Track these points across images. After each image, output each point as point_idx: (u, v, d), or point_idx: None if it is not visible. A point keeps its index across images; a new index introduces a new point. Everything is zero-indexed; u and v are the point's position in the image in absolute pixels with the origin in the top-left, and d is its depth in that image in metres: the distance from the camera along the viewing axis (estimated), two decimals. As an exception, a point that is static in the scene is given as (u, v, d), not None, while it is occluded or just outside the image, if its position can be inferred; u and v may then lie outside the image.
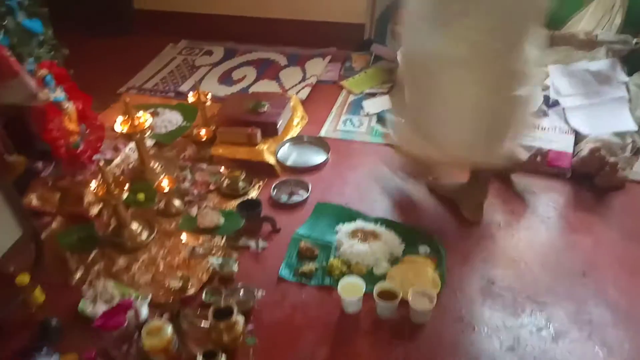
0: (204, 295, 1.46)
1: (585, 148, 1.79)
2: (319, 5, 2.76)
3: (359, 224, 1.67)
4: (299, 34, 2.78)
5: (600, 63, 2.10)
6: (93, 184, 1.58)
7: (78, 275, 1.56)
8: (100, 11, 2.97)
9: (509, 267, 1.54)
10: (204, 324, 1.34)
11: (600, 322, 1.37)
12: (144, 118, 1.82)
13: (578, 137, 1.91)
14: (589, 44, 2.09)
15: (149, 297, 1.46)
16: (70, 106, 1.91)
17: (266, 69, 2.62)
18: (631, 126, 1.88)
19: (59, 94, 1.86)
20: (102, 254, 1.64)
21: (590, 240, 1.62)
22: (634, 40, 2.02)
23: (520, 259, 1.56)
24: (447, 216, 1.73)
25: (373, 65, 2.59)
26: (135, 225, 1.68)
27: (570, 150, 1.86)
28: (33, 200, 1.78)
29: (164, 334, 1.27)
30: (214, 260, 1.55)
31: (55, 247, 1.65)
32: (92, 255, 1.63)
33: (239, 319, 1.30)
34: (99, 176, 1.54)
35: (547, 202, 1.76)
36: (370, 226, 1.65)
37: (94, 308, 1.42)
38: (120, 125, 1.79)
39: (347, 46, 2.73)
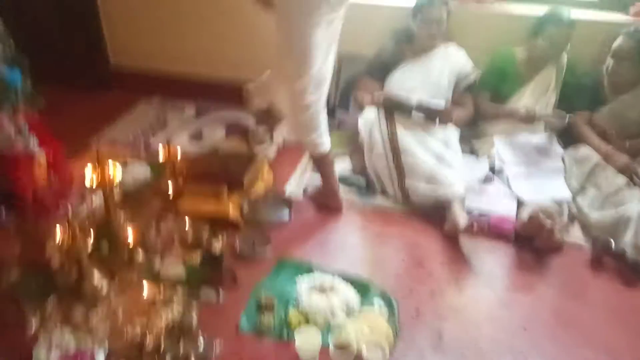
0: (162, 345, 1.48)
1: (525, 213, 1.95)
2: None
3: (317, 277, 1.75)
4: (268, 97, 2.95)
5: (539, 136, 2.33)
6: (57, 232, 1.61)
7: (34, 323, 1.55)
8: (78, 65, 3.06)
9: (457, 321, 1.63)
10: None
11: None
12: (114, 171, 1.88)
13: (520, 203, 2.08)
14: (529, 119, 2.32)
15: (106, 346, 1.47)
16: (41, 153, 1.96)
17: (236, 129, 2.74)
18: (566, 195, 2.08)
19: (32, 142, 1.92)
20: (61, 302, 1.64)
21: (530, 297, 1.75)
22: (567, 116, 2.26)
23: (468, 313, 1.67)
24: (400, 270, 1.84)
25: (337, 130, 2.75)
26: (96, 275, 1.70)
27: (513, 214, 2.03)
28: (-7, 247, 1.78)
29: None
30: (174, 311, 1.58)
31: (12, 294, 1.64)
32: (50, 304, 1.63)
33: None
34: (64, 224, 1.58)
35: (492, 262, 1.90)
36: (328, 279, 1.73)
37: (49, 357, 1.41)
38: (89, 178, 1.84)
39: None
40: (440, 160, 2.17)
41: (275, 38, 1.92)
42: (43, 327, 1.53)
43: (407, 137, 2.20)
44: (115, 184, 1.90)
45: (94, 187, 1.88)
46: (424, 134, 2.24)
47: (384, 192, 2.23)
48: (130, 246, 1.80)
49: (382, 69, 2.51)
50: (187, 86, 3.06)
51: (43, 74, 2.32)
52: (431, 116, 2.29)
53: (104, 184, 1.85)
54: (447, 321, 1.63)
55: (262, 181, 2.26)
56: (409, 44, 2.49)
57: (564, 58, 2.40)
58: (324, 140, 2.07)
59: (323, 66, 1.96)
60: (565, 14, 2.30)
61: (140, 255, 1.81)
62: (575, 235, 2.01)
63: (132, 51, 3.15)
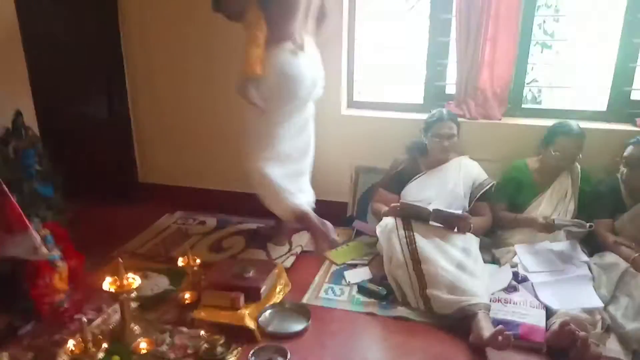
0: None
1: (556, 322, 1.85)
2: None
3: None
4: (287, 209, 3.02)
5: (561, 244, 2.29)
6: (70, 343, 1.58)
7: None
8: (108, 182, 3.24)
9: None
10: None
11: None
12: (133, 279, 1.89)
13: (549, 312, 1.98)
14: (548, 227, 2.30)
15: None
16: (63, 265, 2.00)
17: (255, 238, 2.77)
18: (597, 303, 1.98)
19: (55, 253, 1.97)
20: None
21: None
22: (588, 224, 2.24)
23: None
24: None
25: (355, 239, 2.77)
26: (106, 389, 1.63)
27: (542, 324, 1.92)
28: (4, 358, 1.74)
29: None
30: None
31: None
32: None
33: None
34: (77, 335, 1.56)
35: (526, 377, 1.76)
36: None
37: None
38: (108, 284, 1.85)
39: (331, 221, 2.93)
40: (461, 269, 2.12)
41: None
42: None
43: (427, 245, 2.19)
44: (132, 295, 1.91)
45: (112, 297, 1.90)
46: (443, 242, 2.23)
47: (405, 301, 2.16)
48: (142, 359, 1.75)
49: (397, 181, 2.59)
50: (208, 200, 3.17)
51: (74, 189, 2.48)
52: (449, 224, 2.29)
53: (122, 294, 1.86)
54: None
55: (279, 290, 2.22)
56: (423, 156, 2.59)
57: (577, 167, 2.45)
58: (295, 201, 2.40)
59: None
60: (575, 125, 2.39)
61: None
62: (613, 348, 1.87)
63: (159, 169, 3.35)
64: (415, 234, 2.23)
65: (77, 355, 1.56)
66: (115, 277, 1.86)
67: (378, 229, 2.40)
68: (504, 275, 2.21)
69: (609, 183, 2.35)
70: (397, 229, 2.27)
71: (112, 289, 1.85)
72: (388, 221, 2.34)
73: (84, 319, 1.58)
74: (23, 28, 2.44)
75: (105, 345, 1.60)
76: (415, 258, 2.16)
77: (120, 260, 1.87)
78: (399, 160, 2.65)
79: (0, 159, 2.09)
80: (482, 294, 2.01)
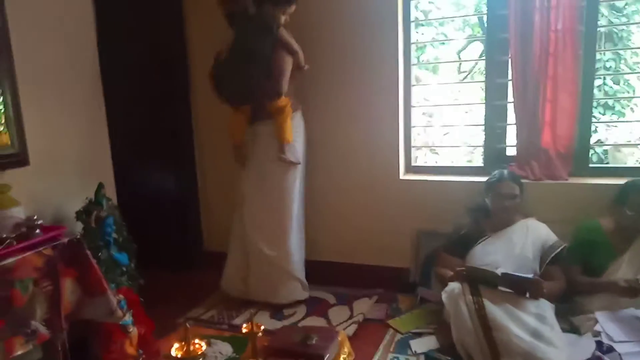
0: None
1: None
2: (367, 250, 3.03)
3: None
4: (348, 276, 3.00)
5: (649, 311, 2.11)
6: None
7: None
8: (175, 249, 3.38)
9: None
10: None
11: None
12: (199, 345, 1.91)
13: (643, 387, 1.79)
14: (632, 291, 2.13)
15: None
16: (134, 330, 2.06)
17: (316, 306, 2.75)
18: (698, 376, 1.77)
19: (127, 318, 2.04)
20: None
21: None
22: None
23: None
24: None
25: (419, 307, 2.68)
26: None
27: (636, 401, 1.74)
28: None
29: None
30: None
31: None
32: None
33: None
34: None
35: None
36: None
37: None
38: (175, 350, 1.88)
39: (393, 288, 2.88)
40: (537, 337, 1.99)
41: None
42: None
43: (497, 311, 2.08)
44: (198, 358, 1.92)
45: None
46: (515, 308, 2.11)
47: None
48: None
49: (461, 245, 2.52)
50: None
51: (145, 257, 2.60)
52: (520, 288, 2.18)
53: (188, 358, 1.87)
54: None
55: (343, 359, 2.16)
56: (487, 219, 2.53)
57: (658, 226, 2.29)
58: None
59: None
60: (648, 182, 2.28)
61: None
62: None
63: (223, 236, 3.44)
64: (483, 299, 2.13)
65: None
66: (183, 342, 1.89)
67: (444, 295, 2.32)
68: (587, 345, 2.04)
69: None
70: (464, 294, 2.19)
71: (179, 355, 1.87)
72: (454, 286, 2.26)
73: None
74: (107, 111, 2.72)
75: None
76: (485, 325, 2.05)
77: (187, 326, 1.91)
78: (461, 223, 2.60)
79: (82, 227, 2.26)
80: None
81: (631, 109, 4.33)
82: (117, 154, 2.79)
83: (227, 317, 2.70)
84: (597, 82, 2.81)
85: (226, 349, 2.34)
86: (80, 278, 1.73)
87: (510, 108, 2.77)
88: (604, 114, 4.17)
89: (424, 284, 2.81)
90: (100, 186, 2.34)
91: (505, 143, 2.88)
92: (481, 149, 2.95)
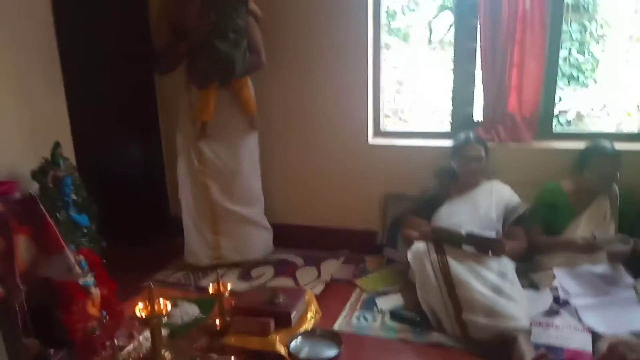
0: None
1: (603, 346, 1.74)
2: (336, 213, 3.04)
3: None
4: (316, 239, 3.00)
5: (603, 267, 2.19)
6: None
7: None
8: (143, 218, 3.30)
9: None
10: None
11: None
12: (164, 305, 1.89)
13: (595, 336, 1.87)
14: (589, 248, 2.21)
15: None
16: (96, 292, 2.01)
17: (283, 268, 2.75)
18: (647, 327, 1.86)
19: (89, 279, 1.99)
20: None
21: None
22: (632, 240, 2.13)
23: None
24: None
25: (386, 268, 2.71)
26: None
27: (588, 349, 1.81)
28: (37, 384, 1.74)
29: None
30: None
31: None
32: None
33: None
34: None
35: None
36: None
37: None
38: (139, 310, 1.85)
39: (361, 250, 2.91)
40: (498, 292, 2.04)
41: None
42: None
43: (461, 269, 2.12)
44: (163, 320, 1.90)
45: (143, 322, 1.89)
46: (478, 266, 2.16)
47: (440, 328, 2.08)
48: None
49: (427, 207, 2.55)
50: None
51: (109, 224, 2.53)
52: (483, 247, 2.23)
53: (153, 319, 1.85)
54: None
55: (310, 317, 2.17)
56: (453, 181, 2.56)
57: (616, 188, 2.37)
58: None
59: None
60: (608, 146, 2.34)
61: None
62: (668, 374, 1.74)
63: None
64: (448, 257, 2.17)
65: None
66: (147, 302, 1.87)
67: (409, 254, 2.35)
68: (544, 299, 2.11)
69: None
70: (429, 253, 2.22)
71: (143, 314, 1.85)
72: (419, 246, 2.29)
73: (115, 342, 1.57)
74: (64, 65, 2.58)
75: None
76: (449, 282, 2.09)
77: (152, 286, 1.88)
78: (428, 186, 2.63)
79: (39, 188, 2.17)
80: (522, 318, 1.92)
81: (594, 80, 4.43)
82: (78, 120, 2.67)
83: (194, 280, 2.68)
84: (563, 54, 2.84)
85: (193, 309, 2.32)
86: (35, 236, 1.66)
87: (478, 73, 2.78)
88: (568, 85, 4.26)
89: (390, 245, 2.84)
90: (57, 145, 2.24)
91: (472, 108, 2.90)
92: (449, 115, 2.97)
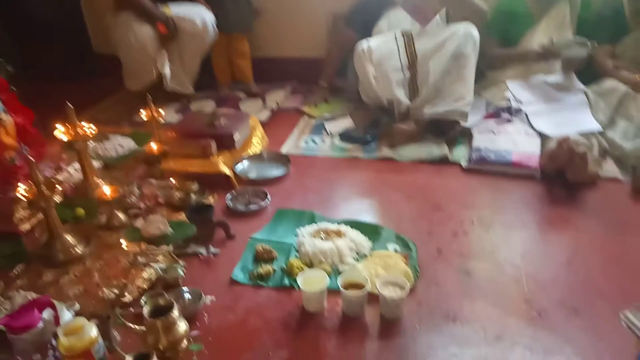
0: (142, 300, 1.25)
1: (552, 144, 1.73)
2: (281, 42, 2.78)
3: (321, 225, 1.52)
4: (261, 70, 2.77)
5: (556, 76, 2.12)
6: (21, 188, 1.40)
7: (-3, 290, 1.33)
8: (65, 55, 2.94)
9: (487, 260, 1.40)
10: (139, 328, 1.12)
11: (588, 307, 1.22)
12: (89, 127, 1.69)
13: (544, 140, 1.86)
14: (547, 54, 2.11)
15: (76, 306, 1.24)
16: (8, 119, 1.77)
17: (226, 102, 2.56)
18: (595, 126, 1.86)
19: (-1, 107, 1.73)
20: (29, 269, 1.43)
21: (569, 233, 1.51)
22: (589, 42, 2.04)
23: (498, 252, 1.43)
24: (416, 215, 1.61)
25: (335, 96, 2.57)
26: (69, 237, 1.49)
27: (537, 152, 1.81)
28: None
29: (86, 333, 1.04)
30: (157, 266, 1.36)
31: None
32: (16, 271, 1.41)
33: (179, 321, 1.10)
34: (29, 183, 1.38)
35: (520, 200, 1.67)
36: (333, 226, 1.51)
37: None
38: (61, 133, 1.65)
39: (309, 80, 2.72)
40: (448, 74, 1.98)
41: None
42: (6, 294, 1.31)
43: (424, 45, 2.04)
44: (90, 145, 1.72)
45: (67, 146, 1.69)
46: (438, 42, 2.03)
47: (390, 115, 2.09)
48: (109, 207, 1.60)
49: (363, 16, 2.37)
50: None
51: (31, 64, 2.18)
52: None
53: (77, 142, 1.66)
54: (475, 260, 1.39)
55: (256, 142, 2.05)
56: None
57: (577, -8, 2.20)
58: None
59: None
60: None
61: (119, 217, 1.61)
62: (610, 169, 1.78)
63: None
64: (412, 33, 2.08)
65: (32, 200, 1.39)
66: (68, 124, 1.66)
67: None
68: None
69: (612, 4, 2.13)
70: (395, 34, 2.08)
71: (66, 138, 1.65)
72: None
73: (31, 158, 1.38)
74: None
75: (59, 187, 1.42)
76: (412, 57, 2.04)
77: (70, 105, 1.65)
78: None
79: None
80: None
81: None
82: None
83: (127, 116, 2.45)
84: None
85: (127, 142, 2.13)
86: None
87: None
88: None
89: (340, 74, 2.66)
90: None
91: None
92: None
